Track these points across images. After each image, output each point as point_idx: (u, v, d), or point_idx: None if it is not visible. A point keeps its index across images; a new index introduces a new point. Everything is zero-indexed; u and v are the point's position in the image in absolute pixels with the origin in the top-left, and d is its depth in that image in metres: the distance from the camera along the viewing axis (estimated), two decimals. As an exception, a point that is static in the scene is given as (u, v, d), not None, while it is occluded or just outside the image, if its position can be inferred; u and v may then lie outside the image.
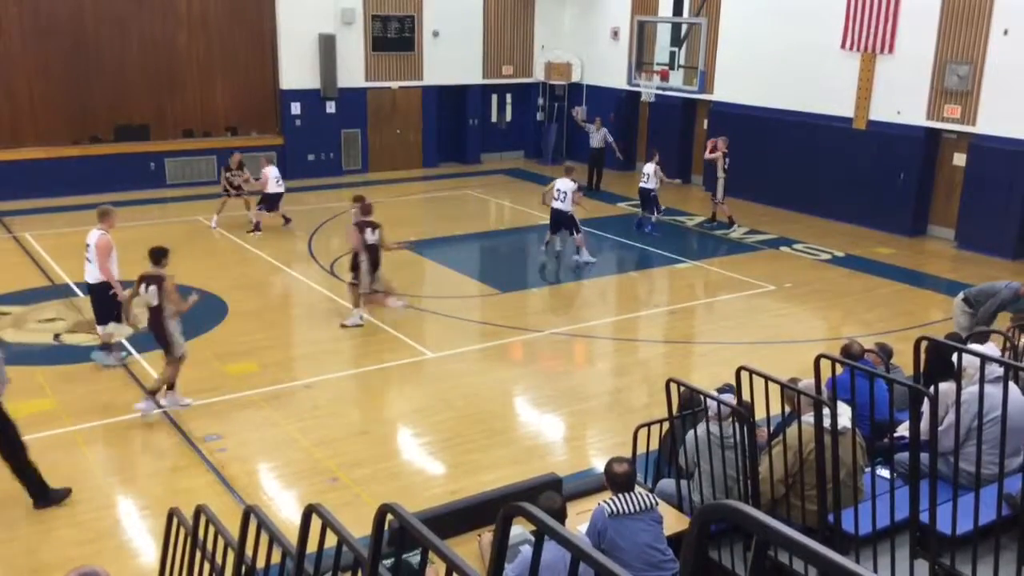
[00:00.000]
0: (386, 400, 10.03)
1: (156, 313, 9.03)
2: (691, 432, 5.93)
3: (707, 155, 17.59)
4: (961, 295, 10.55)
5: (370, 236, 11.64)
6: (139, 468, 8.32)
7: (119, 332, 10.56)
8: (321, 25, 20.60)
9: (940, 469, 4.96)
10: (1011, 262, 15.30)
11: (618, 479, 5.19)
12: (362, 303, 11.88)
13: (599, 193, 20.45)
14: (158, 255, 9.18)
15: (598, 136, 20.56)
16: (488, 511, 4.88)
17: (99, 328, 10.41)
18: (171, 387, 9.30)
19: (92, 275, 10.23)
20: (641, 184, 16.97)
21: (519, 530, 5.16)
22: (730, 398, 5.98)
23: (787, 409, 6.07)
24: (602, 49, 22.87)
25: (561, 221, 14.60)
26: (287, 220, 16.97)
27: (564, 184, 14.45)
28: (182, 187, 19.90)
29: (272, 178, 16.30)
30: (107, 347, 10.45)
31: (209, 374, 10.33)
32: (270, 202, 16.44)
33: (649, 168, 16.81)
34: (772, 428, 6.11)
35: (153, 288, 8.97)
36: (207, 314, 12.23)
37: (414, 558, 4.41)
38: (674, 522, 5.62)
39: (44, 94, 19.11)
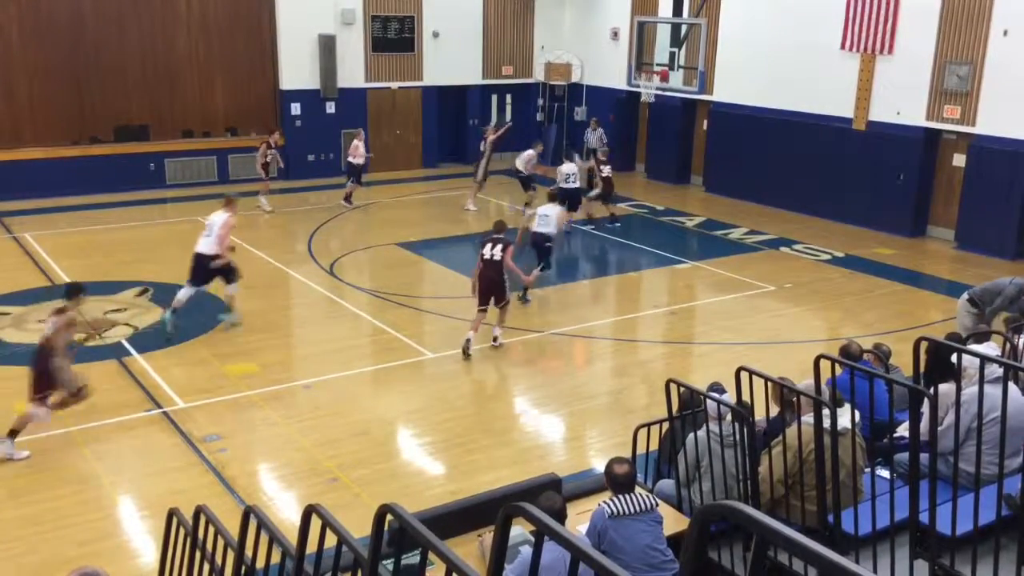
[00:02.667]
0: (386, 400, 10.03)
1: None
2: (692, 435, 5.93)
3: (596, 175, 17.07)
4: (965, 296, 10.51)
5: (487, 251, 11.08)
6: (139, 468, 8.32)
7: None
8: (321, 25, 20.61)
9: (940, 469, 4.96)
10: (1011, 262, 15.30)
11: (619, 480, 5.19)
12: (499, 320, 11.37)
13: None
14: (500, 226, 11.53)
15: (595, 136, 20.56)
16: (488, 511, 4.88)
17: (228, 288, 11.85)
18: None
19: (206, 247, 11.50)
20: (564, 185, 15.99)
21: (519, 530, 5.16)
22: (727, 397, 5.99)
23: (781, 408, 6.07)
24: (602, 50, 22.86)
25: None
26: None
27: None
28: (182, 187, 19.90)
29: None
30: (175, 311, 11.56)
31: (209, 374, 10.34)
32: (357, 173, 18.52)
33: (571, 168, 16.19)
34: (768, 428, 6.11)
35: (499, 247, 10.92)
36: (207, 314, 12.24)
37: (414, 559, 4.41)
38: (674, 522, 5.62)
39: (44, 94, 19.11)
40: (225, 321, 11.88)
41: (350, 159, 18.58)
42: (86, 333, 11.42)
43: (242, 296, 12.98)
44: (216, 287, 11.98)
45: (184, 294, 11.53)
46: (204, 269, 11.55)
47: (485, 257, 11.06)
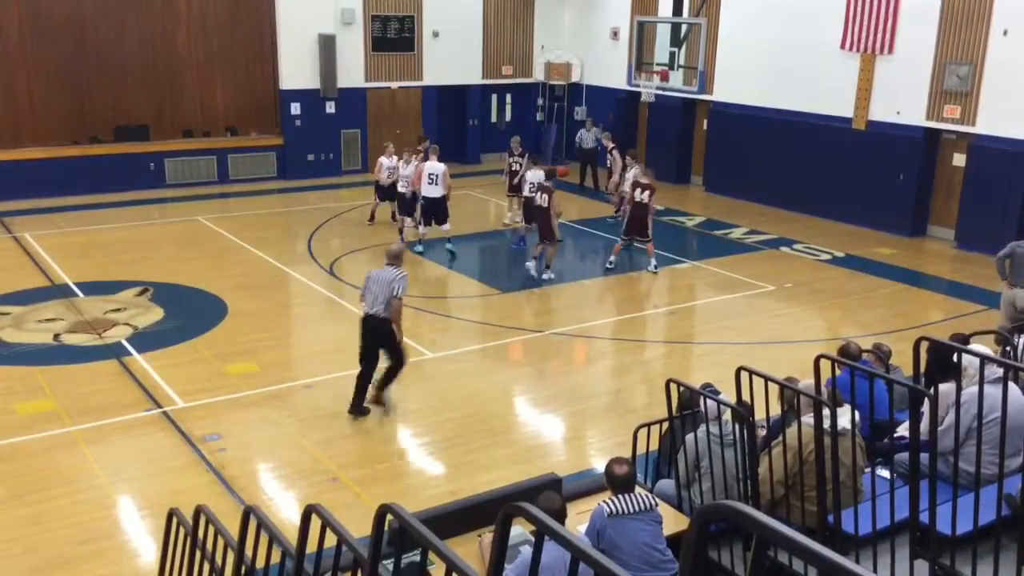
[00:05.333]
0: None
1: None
2: (691, 435, 5.93)
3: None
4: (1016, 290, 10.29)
5: (638, 195, 14.25)
6: (139, 468, 8.32)
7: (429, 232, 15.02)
8: (321, 25, 20.60)
9: (940, 469, 4.96)
10: (1011, 262, 15.29)
11: (618, 480, 5.19)
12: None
13: (597, 193, 20.45)
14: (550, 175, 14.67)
15: (590, 136, 20.48)
16: (488, 511, 4.88)
17: (444, 227, 14.99)
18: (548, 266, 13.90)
19: (435, 192, 14.69)
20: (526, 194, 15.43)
21: (519, 530, 5.16)
22: (723, 398, 5.99)
23: (784, 409, 6.07)
24: (602, 49, 22.87)
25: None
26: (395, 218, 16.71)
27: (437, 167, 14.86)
28: (182, 187, 19.91)
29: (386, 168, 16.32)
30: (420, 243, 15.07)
31: (209, 374, 10.33)
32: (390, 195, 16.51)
33: (535, 175, 15.16)
34: (769, 428, 6.11)
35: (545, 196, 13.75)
36: (207, 314, 12.25)
37: (414, 558, 4.41)
38: (673, 522, 5.62)
39: (44, 94, 19.11)
40: (449, 248, 15.08)
41: (413, 189, 15.29)
42: (87, 332, 11.43)
43: (242, 296, 13.00)
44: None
45: (422, 230, 15.06)
46: (436, 208, 14.72)
47: (636, 200, 14.24)
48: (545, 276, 13.99)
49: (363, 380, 9.34)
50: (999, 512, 4.72)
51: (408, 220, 15.68)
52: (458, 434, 9.02)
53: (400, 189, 15.56)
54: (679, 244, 16.46)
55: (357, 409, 9.35)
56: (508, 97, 24.27)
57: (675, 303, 13.74)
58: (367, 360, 9.29)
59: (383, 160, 16.49)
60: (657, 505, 5.27)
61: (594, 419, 9.56)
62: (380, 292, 9.08)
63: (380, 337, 9.20)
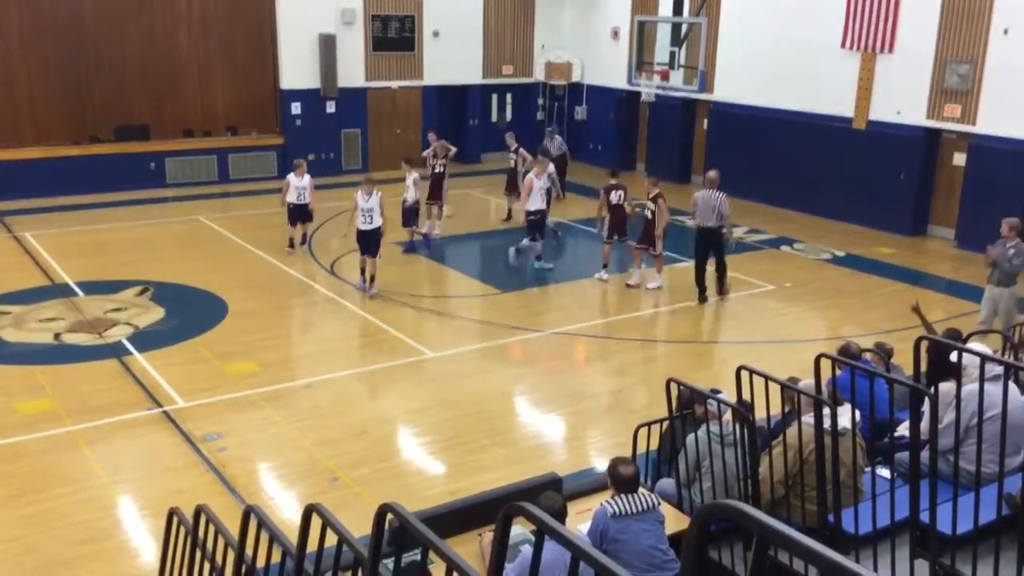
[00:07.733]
0: (386, 400, 10.03)
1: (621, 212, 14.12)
2: (692, 435, 5.93)
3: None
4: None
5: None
6: (139, 468, 8.32)
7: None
8: (321, 25, 20.61)
9: (940, 469, 4.96)
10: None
11: (622, 479, 5.18)
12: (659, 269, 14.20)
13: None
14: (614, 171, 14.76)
15: (554, 145, 19.98)
16: (488, 511, 4.87)
17: (535, 243, 14.47)
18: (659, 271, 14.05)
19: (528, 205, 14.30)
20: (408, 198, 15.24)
21: (519, 530, 5.16)
22: (724, 396, 5.99)
23: (786, 408, 6.07)
24: (602, 49, 22.86)
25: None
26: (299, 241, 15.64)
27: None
28: (182, 187, 19.91)
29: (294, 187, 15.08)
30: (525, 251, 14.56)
31: (209, 374, 10.33)
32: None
33: (411, 179, 15.14)
34: (771, 428, 6.11)
35: (621, 193, 14.09)
36: (207, 314, 12.25)
37: (414, 557, 4.40)
38: (674, 522, 5.62)
39: (44, 94, 19.11)
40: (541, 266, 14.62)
41: (529, 207, 14.35)
42: (87, 332, 11.42)
43: (242, 296, 13.00)
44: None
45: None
46: (533, 223, 14.42)
47: (613, 203, 14.06)
48: (602, 274, 14.35)
49: (700, 274, 12.97)
50: (999, 512, 4.72)
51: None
52: (458, 434, 9.02)
53: (362, 226, 13.17)
54: (679, 244, 16.44)
55: (701, 298, 13.05)
56: (508, 97, 24.27)
57: (675, 303, 13.73)
58: (701, 258, 12.93)
59: (291, 178, 15.14)
60: (660, 504, 5.27)
61: (594, 419, 9.56)
62: (707, 210, 12.71)
63: (712, 242, 12.88)
